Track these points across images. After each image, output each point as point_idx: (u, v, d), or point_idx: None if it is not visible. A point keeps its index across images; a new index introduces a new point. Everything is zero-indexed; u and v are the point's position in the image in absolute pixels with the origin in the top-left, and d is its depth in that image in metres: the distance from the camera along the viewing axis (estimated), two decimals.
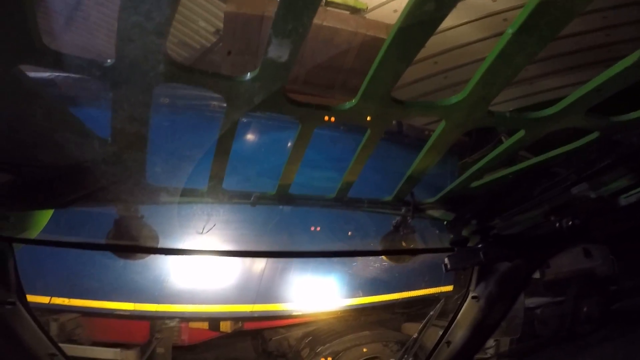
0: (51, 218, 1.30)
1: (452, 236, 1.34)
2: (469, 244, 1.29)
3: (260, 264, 4.07)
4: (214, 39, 7.09)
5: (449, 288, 4.83)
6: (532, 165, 1.13)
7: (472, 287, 1.47)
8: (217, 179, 1.08)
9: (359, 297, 4.51)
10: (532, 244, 1.12)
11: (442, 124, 0.92)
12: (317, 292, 4.36)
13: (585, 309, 6.49)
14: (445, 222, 1.38)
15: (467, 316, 1.55)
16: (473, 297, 1.47)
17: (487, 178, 1.22)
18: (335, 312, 4.58)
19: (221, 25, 5.76)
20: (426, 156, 1.04)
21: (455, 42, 5.80)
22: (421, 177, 1.17)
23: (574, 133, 1.01)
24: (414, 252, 1.40)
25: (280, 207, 1.24)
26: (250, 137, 3.64)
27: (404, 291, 4.70)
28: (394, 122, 3.89)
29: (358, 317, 4.80)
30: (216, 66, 6.87)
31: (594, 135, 1.00)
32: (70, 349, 3.56)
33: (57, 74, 2.54)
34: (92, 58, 0.78)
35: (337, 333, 4.48)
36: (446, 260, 1.23)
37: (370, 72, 0.76)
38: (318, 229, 3.43)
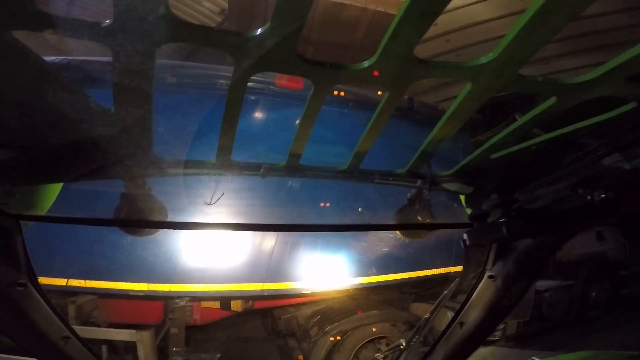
0: (58, 196, 1.27)
1: (470, 210, 1.28)
2: (489, 219, 1.23)
3: (270, 241, 4.09)
4: (219, 19, 6.97)
5: (459, 268, 4.82)
6: (560, 136, 1.05)
7: (488, 265, 1.41)
8: (225, 149, 1.03)
9: (368, 276, 4.52)
10: (559, 219, 1.06)
11: (468, 86, 0.85)
12: (326, 271, 4.37)
13: (593, 294, 6.45)
14: (462, 196, 1.32)
15: (482, 296, 1.50)
16: (489, 277, 1.42)
17: (508, 149, 1.15)
18: (344, 291, 4.61)
19: (225, 5, 5.64)
20: (447, 123, 0.97)
21: (468, 21, 5.63)
22: (439, 147, 1.11)
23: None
24: (431, 227, 1.35)
25: (291, 180, 1.19)
26: (258, 113, 3.59)
27: (413, 271, 4.70)
28: (405, 97, 3.81)
29: (367, 296, 4.82)
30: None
31: (631, 105, 0.93)
32: (86, 331, 3.64)
33: (62, 57, 2.49)
34: (88, 19, 0.73)
35: (346, 312, 4.52)
36: (465, 235, 1.18)
37: (392, 27, 0.69)
38: (327, 204, 3.40)
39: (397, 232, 1.43)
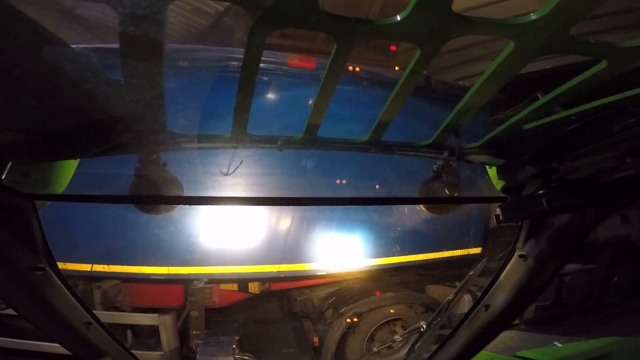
0: (74, 178, 1.24)
1: (503, 183, 1.19)
2: (525, 192, 1.15)
3: (285, 222, 4.08)
4: (227, 3, 6.83)
5: (477, 250, 4.73)
6: (604, 105, 0.95)
7: (519, 244, 1.33)
8: (241, 121, 0.98)
9: (384, 257, 4.49)
10: (605, 191, 0.97)
11: (510, 46, 0.76)
12: (341, 252, 4.35)
13: (615, 279, 6.25)
14: (490, 168, 1.24)
15: (511, 277, 1.42)
16: (520, 256, 1.34)
17: (545, 120, 1.05)
18: (360, 273, 4.59)
19: None
20: (483, 87, 0.88)
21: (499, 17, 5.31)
22: (468, 117, 1.03)
23: None
24: (460, 200, 1.27)
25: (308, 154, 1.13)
26: (271, 94, 3.53)
27: (430, 252, 4.64)
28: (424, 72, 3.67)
29: (382, 277, 4.80)
30: (231, 30, 6.68)
31: None
32: (110, 316, 3.71)
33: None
34: None
35: (361, 294, 4.50)
36: (498, 210, 1.10)
37: None
38: (344, 182, 3.33)
39: (422, 207, 1.36)
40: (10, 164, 0.95)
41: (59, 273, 1.15)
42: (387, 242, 4.47)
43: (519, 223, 1.34)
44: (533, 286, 1.41)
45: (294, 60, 3.46)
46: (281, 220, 4.08)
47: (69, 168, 1.22)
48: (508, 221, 1.13)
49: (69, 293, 1.19)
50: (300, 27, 0.68)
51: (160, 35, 0.72)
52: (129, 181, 1.19)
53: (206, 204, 1.02)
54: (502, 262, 1.43)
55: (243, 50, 0.76)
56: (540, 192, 1.03)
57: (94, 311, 1.28)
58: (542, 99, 0.96)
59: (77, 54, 0.93)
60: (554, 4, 0.64)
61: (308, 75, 3.42)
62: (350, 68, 3.44)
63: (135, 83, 0.89)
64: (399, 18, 0.67)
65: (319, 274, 4.38)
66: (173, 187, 1.12)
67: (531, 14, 0.68)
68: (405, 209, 4.33)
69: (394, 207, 4.28)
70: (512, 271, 1.40)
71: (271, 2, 0.63)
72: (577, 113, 0.99)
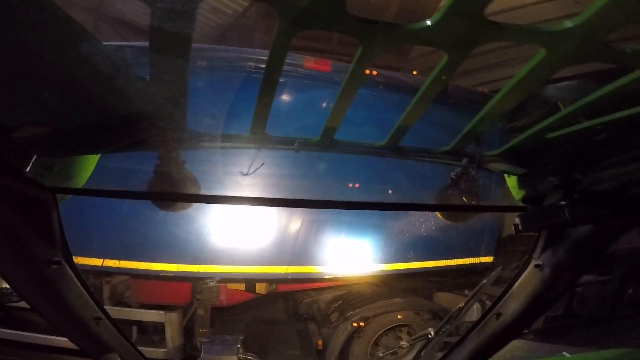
0: (93, 174, 1.26)
1: (523, 192, 1.18)
2: (546, 202, 1.13)
3: (296, 224, 4.08)
4: (246, 4, 6.92)
5: (489, 259, 4.67)
6: (634, 114, 0.93)
7: (535, 254, 1.31)
8: (260, 121, 0.98)
9: (393, 262, 4.45)
10: (630, 204, 0.94)
11: (541, 53, 0.74)
12: (350, 256, 4.33)
13: (630, 291, 6.11)
14: (509, 177, 1.22)
15: (525, 287, 1.40)
16: (536, 266, 1.32)
17: (570, 128, 1.03)
18: (367, 277, 4.56)
19: None
20: (509, 95, 0.87)
21: (525, 21, 5.26)
22: (491, 122, 1.01)
23: None
24: (479, 209, 1.25)
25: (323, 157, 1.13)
26: (285, 95, 3.53)
27: (441, 259, 4.59)
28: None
29: (390, 283, 4.77)
30: (250, 31, 6.74)
31: None
32: (117, 312, 3.75)
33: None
34: None
35: (368, 299, 4.48)
36: (517, 219, 1.08)
37: None
38: (356, 185, 3.30)
39: (438, 214, 1.35)
40: (35, 157, 0.97)
41: (74, 267, 1.16)
42: (397, 248, 4.43)
43: (537, 233, 1.32)
44: (547, 296, 1.38)
45: (310, 62, 3.46)
46: (291, 222, 4.08)
47: (91, 163, 1.24)
48: (527, 231, 1.11)
49: (82, 288, 1.20)
50: (327, 29, 0.68)
51: (190, 32, 0.72)
52: (147, 177, 1.20)
53: (221, 203, 1.03)
54: (517, 271, 1.41)
55: (262, 50, 0.76)
56: (563, 202, 1.01)
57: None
58: (569, 107, 0.94)
59: (106, 49, 0.94)
60: (592, 12, 0.62)
61: (324, 78, 3.41)
62: (368, 72, 3.43)
63: (161, 80, 0.90)
64: (429, 23, 0.66)
65: (326, 277, 4.36)
66: (191, 185, 1.13)
67: (567, 22, 0.66)
68: (418, 215, 4.29)
69: (405, 212, 4.25)
70: (527, 280, 1.38)
71: (300, 3, 0.63)
72: (604, 122, 0.97)
